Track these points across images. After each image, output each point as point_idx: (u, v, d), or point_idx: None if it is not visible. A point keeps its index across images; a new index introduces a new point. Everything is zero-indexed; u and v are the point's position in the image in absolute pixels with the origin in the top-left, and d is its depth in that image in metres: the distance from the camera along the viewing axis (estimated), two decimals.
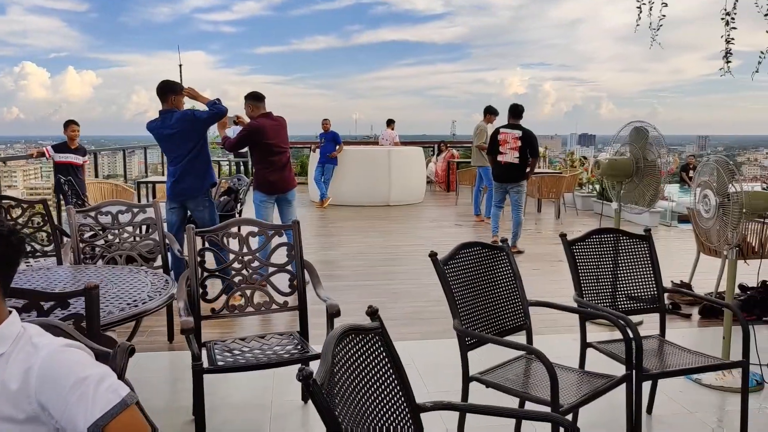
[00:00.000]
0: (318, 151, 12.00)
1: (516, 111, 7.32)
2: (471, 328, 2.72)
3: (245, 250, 3.24)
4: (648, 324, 4.33)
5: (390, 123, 14.52)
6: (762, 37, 4.59)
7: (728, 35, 4.74)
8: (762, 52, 4.75)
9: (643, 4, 5.29)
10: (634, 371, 2.68)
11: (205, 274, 3.21)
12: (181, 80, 16.25)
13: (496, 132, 7.39)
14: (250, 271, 3.26)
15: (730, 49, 4.79)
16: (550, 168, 13.44)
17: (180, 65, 17.37)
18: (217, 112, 5.04)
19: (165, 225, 4.76)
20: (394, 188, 11.92)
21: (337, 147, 11.74)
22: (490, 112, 9.71)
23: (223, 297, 3.23)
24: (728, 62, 4.83)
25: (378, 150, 12.55)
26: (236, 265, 3.25)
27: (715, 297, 4.92)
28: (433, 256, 2.71)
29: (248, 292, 3.24)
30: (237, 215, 6.47)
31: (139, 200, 9.00)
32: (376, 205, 11.82)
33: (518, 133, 7.17)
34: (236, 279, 3.26)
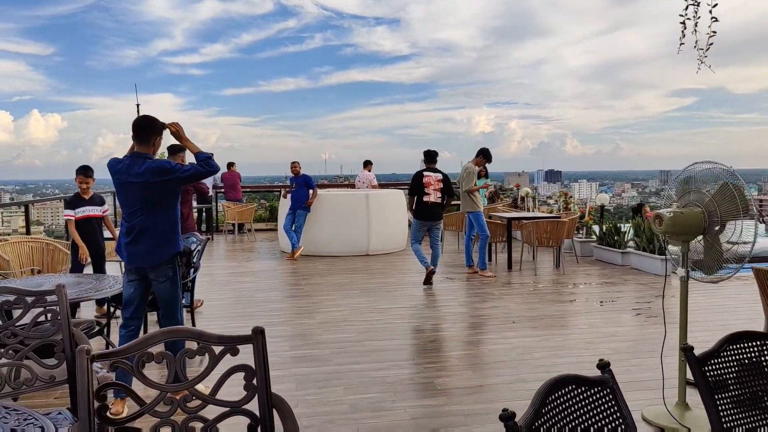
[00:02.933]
0: (289, 196, 10.83)
1: (430, 156, 8.19)
2: None
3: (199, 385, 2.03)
4: None
5: (367, 164, 13.45)
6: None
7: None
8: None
9: (688, 19, 4.36)
10: None
11: None
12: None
13: (420, 176, 8.06)
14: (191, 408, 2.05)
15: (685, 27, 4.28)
16: (541, 210, 12.47)
17: (138, 104, 16.22)
18: (208, 170, 3.94)
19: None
20: (374, 235, 10.78)
21: (311, 192, 10.58)
22: (484, 156, 8.73)
23: None
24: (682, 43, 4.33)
25: (355, 193, 11.45)
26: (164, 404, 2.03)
27: None
28: None
29: None
30: (188, 284, 5.23)
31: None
32: (354, 255, 10.64)
33: (439, 176, 8.04)
34: None
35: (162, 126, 4.00)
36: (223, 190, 14.78)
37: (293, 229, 10.50)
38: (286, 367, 4.76)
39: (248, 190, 16.62)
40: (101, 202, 6.45)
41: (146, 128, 3.95)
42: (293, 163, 10.75)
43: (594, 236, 10.42)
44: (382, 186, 13.76)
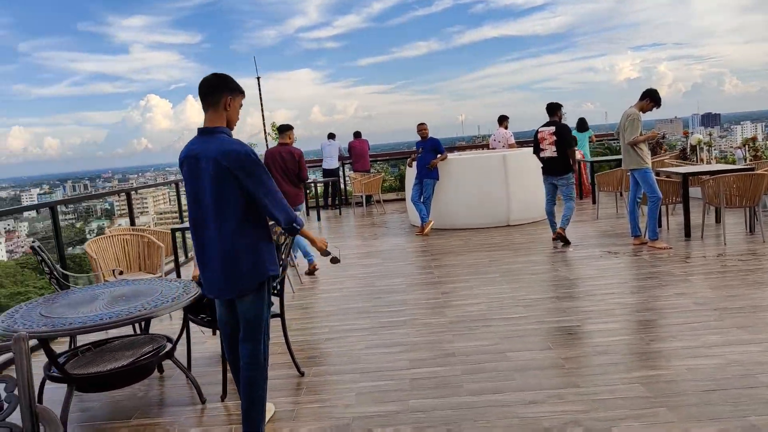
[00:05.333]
0: (415, 165, 9.65)
1: (548, 109, 7.98)
2: None
3: None
4: None
5: (502, 120, 11.88)
6: None
7: None
8: None
9: None
10: None
11: None
12: (259, 92, 14.52)
13: (536, 132, 7.96)
14: None
15: None
16: (718, 162, 10.23)
17: (258, 77, 15.83)
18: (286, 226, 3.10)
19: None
20: (514, 203, 9.33)
21: (438, 156, 9.32)
22: (651, 98, 6.93)
23: None
24: None
25: (489, 155, 10.00)
26: None
27: None
28: None
29: None
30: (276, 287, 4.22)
31: (171, 254, 7.02)
32: (492, 227, 9.28)
33: (552, 128, 7.75)
34: None
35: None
36: (350, 161, 13.97)
37: (421, 200, 9.34)
38: (403, 396, 3.61)
39: (376, 159, 15.67)
40: None
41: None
42: (420, 125, 9.52)
43: None
44: (521, 144, 12.14)
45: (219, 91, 3.02)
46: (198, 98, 3.08)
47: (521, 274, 6.27)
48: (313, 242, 3.37)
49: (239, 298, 3.07)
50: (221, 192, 2.94)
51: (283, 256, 4.10)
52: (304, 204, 7.78)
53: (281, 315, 4.14)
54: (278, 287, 4.11)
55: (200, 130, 3.05)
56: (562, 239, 7.60)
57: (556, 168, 7.69)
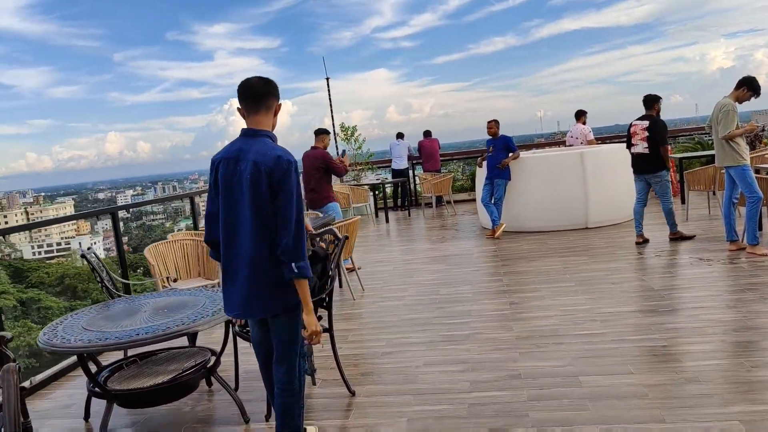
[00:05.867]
0: (485, 164, 9.18)
1: (643, 102, 7.45)
2: None
3: None
4: None
5: (580, 115, 11.17)
6: None
7: None
8: None
9: None
10: None
11: None
12: (329, 93, 14.40)
13: (629, 126, 7.52)
14: None
15: None
16: None
17: (327, 78, 15.72)
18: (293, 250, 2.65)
19: None
20: (593, 204, 8.69)
21: (510, 155, 8.82)
22: (749, 87, 6.20)
23: None
24: None
25: (566, 153, 9.39)
26: None
27: None
28: None
29: None
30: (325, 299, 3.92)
31: None
32: (569, 230, 8.69)
33: (645, 123, 7.28)
34: None
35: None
36: (420, 160, 13.62)
37: (492, 201, 8.88)
38: (461, 424, 3.23)
39: (447, 158, 15.23)
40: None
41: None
42: (490, 122, 9.04)
43: None
44: (602, 141, 11.39)
45: (270, 96, 2.81)
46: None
47: (599, 284, 5.72)
48: (305, 308, 2.72)
49: (273, 317, 2.79)
50: (257, 199, 2.66)
51: (332, 266, 3.80)
52: (337, 204, 7.63)
53: (329, 329, 3.84)
54: (326, 299, 3.82)
55: (244, 131, 2.80)
56: (679, 239, 7.31)
57: (647, 165, 7.20)
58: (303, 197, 6.89)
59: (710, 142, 9.13)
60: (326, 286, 3.78)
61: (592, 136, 10.90)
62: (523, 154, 9.35)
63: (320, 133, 7.54)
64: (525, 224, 8.95)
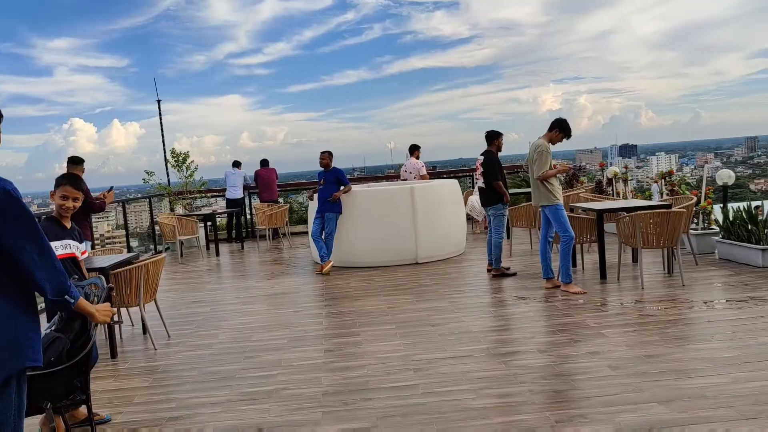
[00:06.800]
0: (316, 197, 8.80)
1: (485, 137, 7.63)
2: None
3: None
4: None
5: (414, 150, 11.21)
6: None
7: None
8: None
9: None
10: None
11: None
12: (159, 115, 13.34)
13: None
14: None
15: None
16: (635, 195, 9.89)
17: (158, 100, 14.66)
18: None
19: None
20: (423, 239, 8.61)
21: (342, 189, 8.52)
22: (561, 129, 6.40)
23: None
24: None
25: (397, 187, 9.29)
26: None
27: None
28: None
29: None
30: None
31: None
32: (399, 265, 8.52)
33: (482, 158, 7.58)
34: None
35: None
36: (257, 190, 12.98)
37: (323, 236, 8.49)
38: None
39: (286, 188, 14.73)
40: (81, 237, 4.39)
41: None
42: (323, 153, 8.70)
43: (716, 226, 7.87)
44: (433, 176, 11.50)
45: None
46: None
47: (419, 326, 5.47)
48: (92, 317, 2.46)
49: None
50: None
51: (93, 325, 3.10)
52: (90, 242, 6.96)
53: (86, 401, 3.14)
54: (84, 365, 3.12)
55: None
56: (499, 275, 7.35)
57: (484, 198, 7.58)
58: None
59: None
60: (85, 346, 3.10)
61: (424, 171, 10.95)
62: (355, 187, 9.10)
63: (76, 162, 6.82)
64: (356, 259, 8.65)
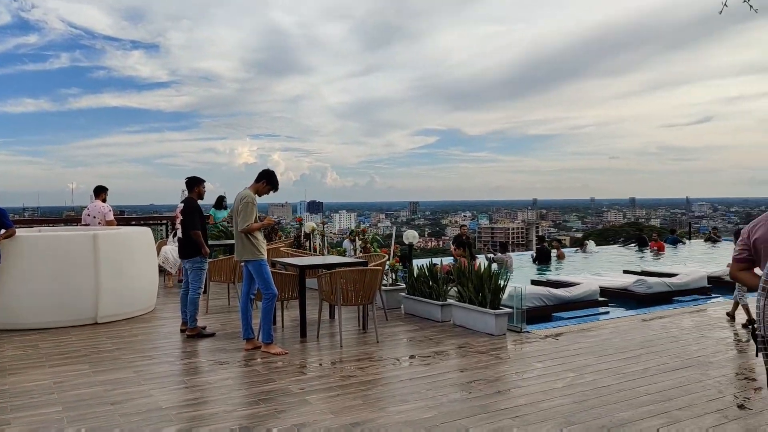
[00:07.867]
0: None
1: (186, 183, 7.08)
2: None
3: None
4: None
5: (100, 192, 9.89)
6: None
7: None
8: None
9: None
10: None
11: None
12: None
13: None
14: None
15: None
16: (332, 252, 10.16)
17: None
18: None
19: None
20: (106, 294, 7.47)
21: (3, 232, 6.98)
22: (268, 181, 6.20)
23: None
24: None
25: (76, 233, 8.00)
26: None
27: None
28: None
29: None
30: None
31: None
32: (74, 326, 7.23)
33: (181, 205, 6.98)
34: None
35: None
36: None
37: None
38: None
39: None
40: None
41: None
42: None
43: (401, 283, 8.43)
44: (123, 221, 10.30)
45: None
46: None
47: (96, 405, 4.53)
48: None
49: None
50: None
51: None
52: None
53: None
54: None
55: None
56: (195, 336, 6.68)
57: (182, 250, 6.88)
58: None
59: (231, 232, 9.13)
60: None
61: (111, 216, 9.71)
62: (20, 231, 7.57)
63: None
64: (15, 321, 7.09)
